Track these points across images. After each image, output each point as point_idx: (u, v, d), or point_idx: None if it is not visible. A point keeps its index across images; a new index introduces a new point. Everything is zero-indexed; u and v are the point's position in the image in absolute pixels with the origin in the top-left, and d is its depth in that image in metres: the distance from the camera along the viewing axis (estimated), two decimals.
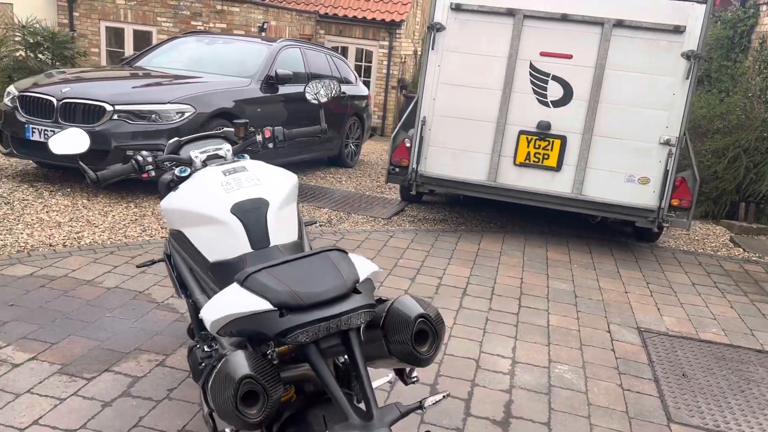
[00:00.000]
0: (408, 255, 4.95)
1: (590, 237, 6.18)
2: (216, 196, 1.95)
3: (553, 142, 5.36)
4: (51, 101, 5.59)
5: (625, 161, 5.29)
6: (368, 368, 1.46)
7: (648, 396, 3.14)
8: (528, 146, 5.42)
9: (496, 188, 5.55)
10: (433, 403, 1.51)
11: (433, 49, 5.48)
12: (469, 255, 5.13)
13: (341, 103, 8.43)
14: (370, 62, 15.41)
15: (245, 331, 1.40)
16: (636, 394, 3.14)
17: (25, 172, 6.28)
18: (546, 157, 5.40)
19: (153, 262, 2.67)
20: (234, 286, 1.47)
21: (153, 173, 2.26)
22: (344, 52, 15.16)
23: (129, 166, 2.23)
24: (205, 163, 2.33)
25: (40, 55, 8.96)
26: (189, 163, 2.31)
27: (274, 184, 2.06)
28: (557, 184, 5.44)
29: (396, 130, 5.81)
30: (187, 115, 5.72)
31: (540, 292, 4.45)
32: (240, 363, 1.28)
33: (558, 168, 5.40)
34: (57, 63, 9.02)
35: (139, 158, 2.24)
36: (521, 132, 5.42)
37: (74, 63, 9.43)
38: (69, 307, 3.45)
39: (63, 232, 4.65)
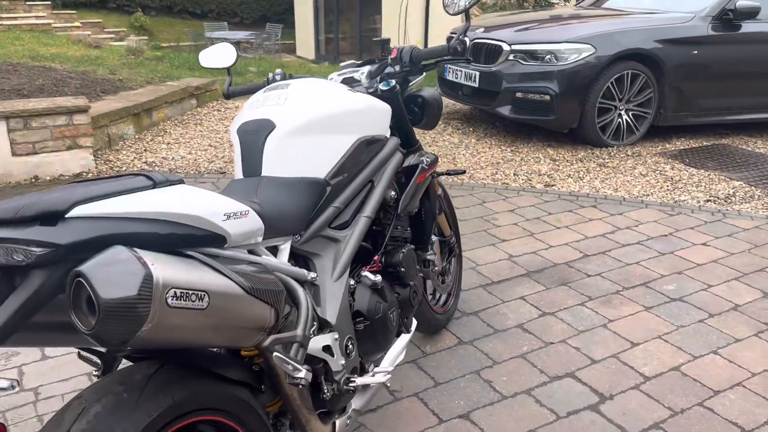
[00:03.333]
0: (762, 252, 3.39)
1: None
2: (238, 116, 1.75)
3: None
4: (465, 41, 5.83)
5: None
6: None
7: None
8: None
9: None
10: None
11: None
12: None
13: None
14: None
15: None
16: None
17: (470, 114, 6.83)
18: None
19: None
20: None
21: None
22: None
23: (260, 84, 2.20)
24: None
25: (525, 3, 9.39)
26: None
27: (299, 105, 1.69)
28: None
29: None
30: (584, 55, 5.14)
31: None
32: None
33: None
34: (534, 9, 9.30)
35: (270, 75, 2.18)
36: None
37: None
38: None
39: None
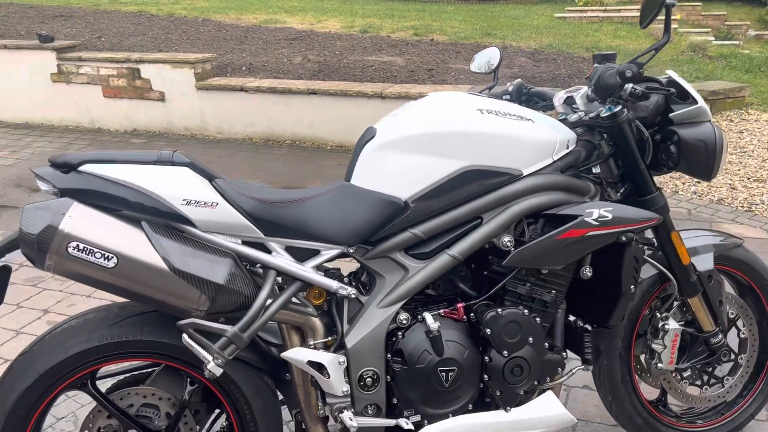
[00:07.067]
0: None
1: None
2: None
3: None
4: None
5: None
6: None
7: None
8: None
9: None
10: None
11: None
12: None
13: None
14: None
15: None
16: None
17: None
18: None
19: None
20: None
21: None
22: None
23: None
24: (563, 104, 1.84)
25: None
26: (546, 100, 1.91)
27: (406, 120, 1.57)
28: None
29: None
30: None
31: None
32: None
33: None
34: None
35: (507, 86, 2.04)
36: None
37: None
38: None
39: None
